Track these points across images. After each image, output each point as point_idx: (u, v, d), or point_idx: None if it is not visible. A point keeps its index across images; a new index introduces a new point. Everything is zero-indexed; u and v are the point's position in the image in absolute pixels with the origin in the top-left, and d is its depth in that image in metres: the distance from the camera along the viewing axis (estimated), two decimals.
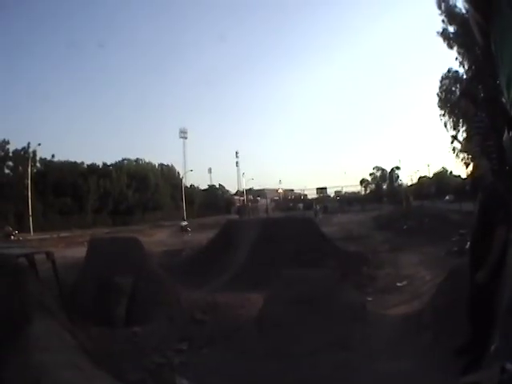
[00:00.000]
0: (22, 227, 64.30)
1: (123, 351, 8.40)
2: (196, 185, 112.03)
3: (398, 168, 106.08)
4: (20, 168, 76.93)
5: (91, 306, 11.48)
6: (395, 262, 19.06)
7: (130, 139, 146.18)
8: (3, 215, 67.72)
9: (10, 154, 78.99)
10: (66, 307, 9.52)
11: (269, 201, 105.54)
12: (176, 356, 8.60)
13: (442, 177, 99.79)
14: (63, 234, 53.99)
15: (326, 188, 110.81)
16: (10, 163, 79.19)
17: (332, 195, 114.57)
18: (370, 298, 12.81)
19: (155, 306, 12.01)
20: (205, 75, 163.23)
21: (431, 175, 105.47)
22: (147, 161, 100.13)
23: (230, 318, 11.16)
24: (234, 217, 56.02)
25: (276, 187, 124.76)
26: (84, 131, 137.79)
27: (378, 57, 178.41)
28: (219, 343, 9.41)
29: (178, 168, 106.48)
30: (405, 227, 31.78)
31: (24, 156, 77.58)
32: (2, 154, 78.76)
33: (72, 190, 78.93)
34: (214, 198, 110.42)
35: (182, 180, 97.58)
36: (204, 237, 28.51)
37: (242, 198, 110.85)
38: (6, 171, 79.02)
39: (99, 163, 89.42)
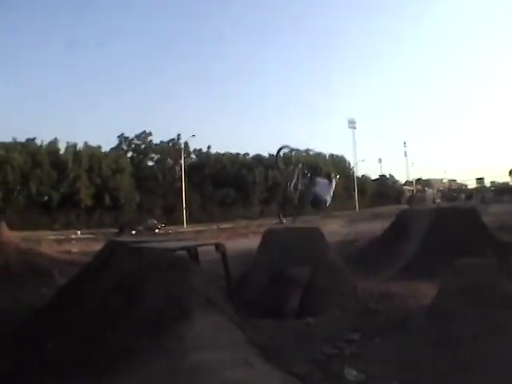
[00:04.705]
0: (172, 220, 62.48)
1: (294, 343, 8.18)
2: (366, 175, 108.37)
3: None
4: (168, 160, 74.60)
5: (262, 298, 11.36)
6: None
7: (298, 130, 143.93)
8: (146, 208, 65.99)
9: (153, 147, 76.58)
10: (234, 300, 9.37)
11: (435, 191, 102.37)
12: (347, 347, 8.20)
13: None
14: (224, 226, 53.08)
15: (483, 178, 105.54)
16: (153, 155, 76.69)
17: (488, 185, 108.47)
18: None
19: (330, 296, 11.62)
20: (371, 67, 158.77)
21: None
22: (317, 151, 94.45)
23: (401, 307, 10.54)
24: (405, 206, 53.91)
25: (441, 177, 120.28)
26: (243, 123, 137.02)
27: None
28: (391, 333, 8.86)
29: (349, 158, 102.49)
30: None
31: (173, 148, 75.08)
32: (143, 146, 76.61)
33: (234, 181, 75.75)
34: (385, 188, 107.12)
35: (353, 170, 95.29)
36: (379, 226, 27.63)
37: (410, 188, 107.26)
38: (150, 163, 76.64)
39: (264, 154, 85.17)
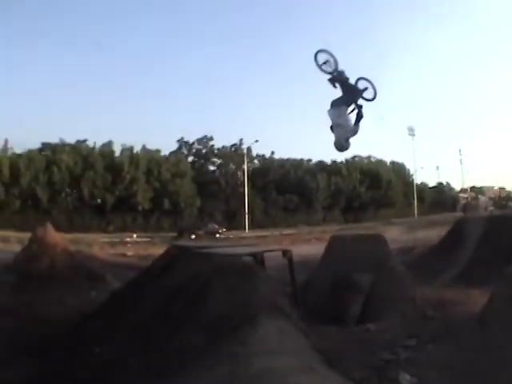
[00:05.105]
0: (234, 225, 61.17)
1: (354, 349, 8.53)
2: (425, 182, 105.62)
3: None
4: (231, 165, 73.06)
5: (325, 305, 11.58)
6: None
7: (359, 136, 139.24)
8: (207, 213, 64.43)
9: (215, 151, 75.11)
10: (300, 306, 9.48)
11: (487, 199, 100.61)
12: (403, 352, 8.48)
13: None
14: (286, 232, 52.12)
15: None
16: (215, 160, 75.01)
17: None
18: None
19: (390, 302, 11.82)
20: (433, 74, 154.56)
21: None
22: (378, 158, 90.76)
23: (455, 314, 10.79)
24: (460, 214, 52.86)
25: (492, 185, 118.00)
26: (306, 129, 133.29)
27: None
28: (444, 339, 9.07)
29: (408, 165, 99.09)
30: None
31: (235, 153, 73.73)
32: (204, 151, 75.04)
33: (297, 187, 73.77)
34: (441, 196, 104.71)
35: (412, 177, 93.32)
36: (436, 234, 27.39)
37: (465, 196, 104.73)
38: (211, 168, 75.01)
39: (327, 160, 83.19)
